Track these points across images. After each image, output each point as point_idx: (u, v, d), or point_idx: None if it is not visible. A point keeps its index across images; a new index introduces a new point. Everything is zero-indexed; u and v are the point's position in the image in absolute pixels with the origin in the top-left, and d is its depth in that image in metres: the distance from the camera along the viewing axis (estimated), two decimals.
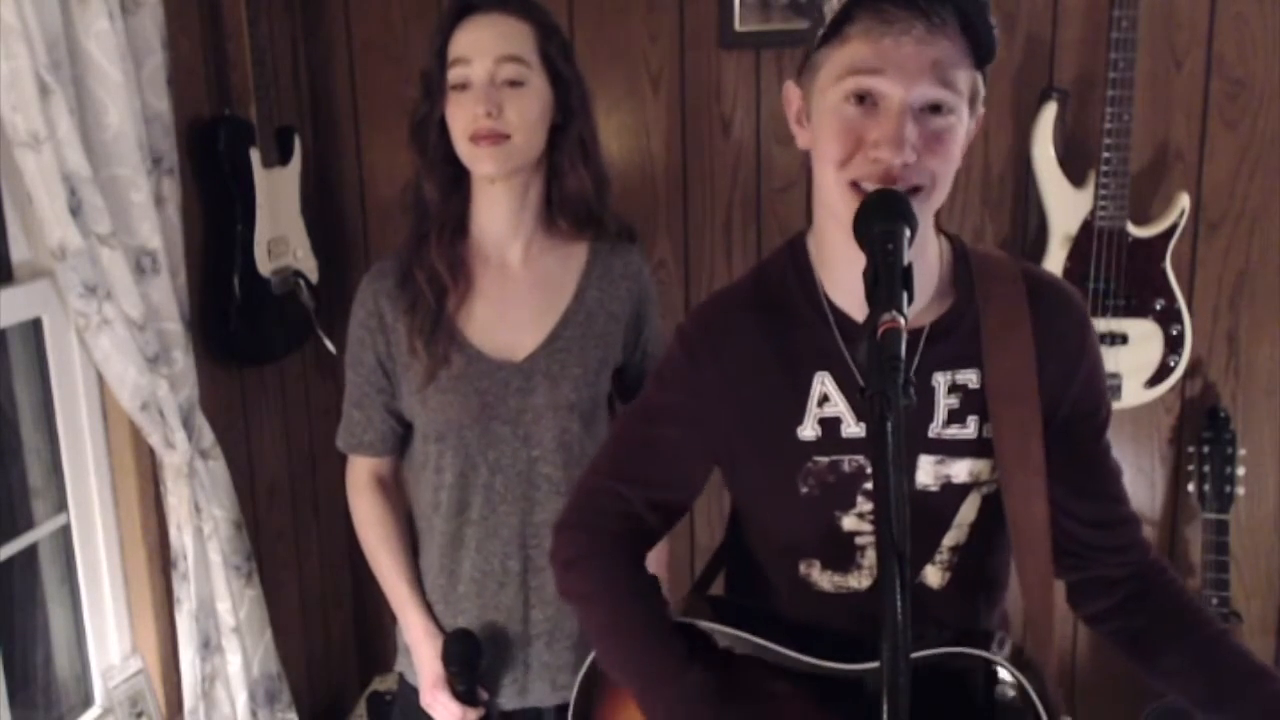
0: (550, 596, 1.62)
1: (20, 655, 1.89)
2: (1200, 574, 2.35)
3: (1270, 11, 2.28)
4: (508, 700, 1.68)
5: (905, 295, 0.93)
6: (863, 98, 1.06)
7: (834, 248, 1.17)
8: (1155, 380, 2.34)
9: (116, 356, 1.78)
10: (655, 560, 1.37)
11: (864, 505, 1.21)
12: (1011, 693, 1.13)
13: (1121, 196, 2.22)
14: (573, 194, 1.60)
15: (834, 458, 1.21)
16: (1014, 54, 2.36)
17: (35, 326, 1.83)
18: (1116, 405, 2.30)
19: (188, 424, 1.92)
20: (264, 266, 2.22)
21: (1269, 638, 2.53)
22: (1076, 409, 1.22)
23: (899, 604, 0.82)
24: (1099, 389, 1.24)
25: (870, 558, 1.23)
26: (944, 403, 1.19)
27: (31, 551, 1.90)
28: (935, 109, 1.06)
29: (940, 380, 1.19)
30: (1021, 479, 1.18)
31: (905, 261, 0.96)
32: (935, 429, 1.20)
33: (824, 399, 1.20)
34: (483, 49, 1.50)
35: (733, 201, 2.52)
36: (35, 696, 1.92)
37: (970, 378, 1.19)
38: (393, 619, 1.73)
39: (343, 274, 2.60)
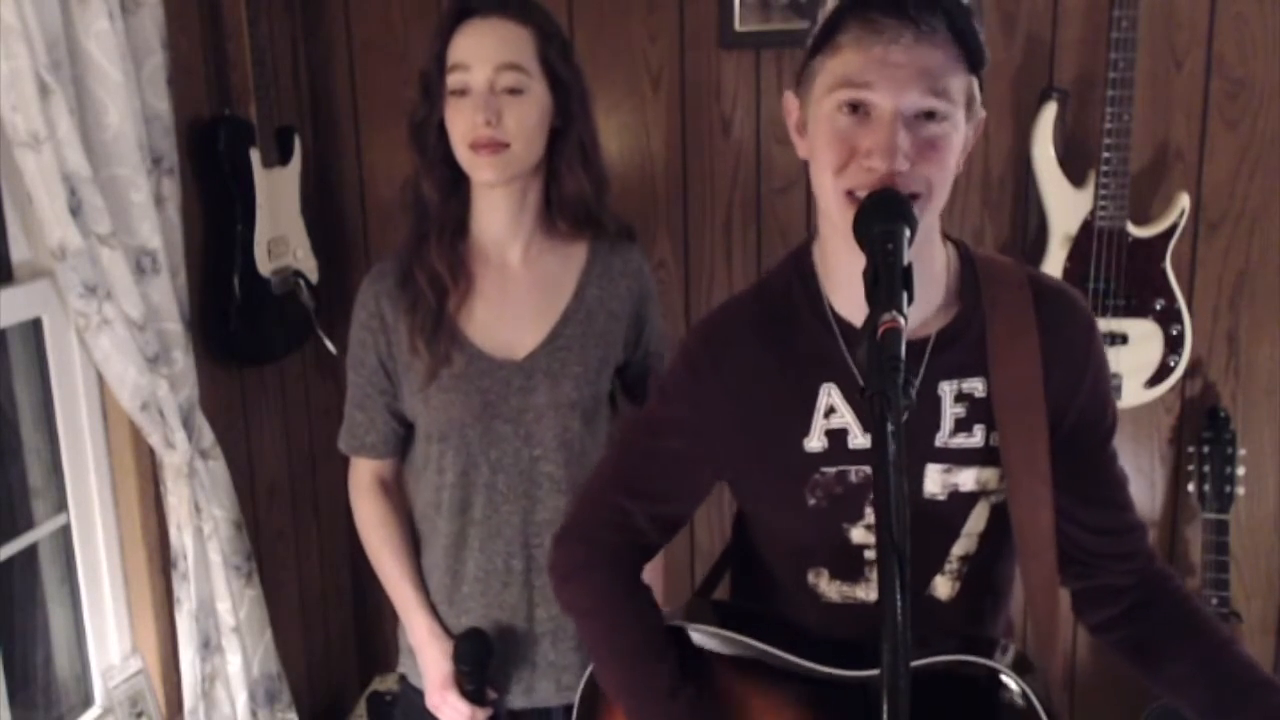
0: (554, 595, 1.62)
1: (20, 655, 1.89)
2: (1200, 574, 2.35)
3: (1270, 11, 2.28)
4: (514, 700, 1.68)
5: (905, 295, 0.93)
6: (855, 107, 1.06)
7: (836, 257, 1.17)
8: (1155, 380, 2.33)
9: (116, 356, 1.78)
10: (651, 566, 1.37)
11: (872, 517, 1.21)
12: (1016, 701, 1.12)
13: (1121, 196, 2.22)
14: (572, 196, 1.60)
15: (841, 469, 1.20)
16: (1014, 54, 2.36)
17: (35, 326, 1.83)
18: (1116, 405, 2.29)
19: (188, 424, 1.92)
20: (264, 266, 2.22)
21: (1269, 638, 2.53)
22: (1083, 416, 1.21)
23: (899, 605, 0.82)
24: (1105, 396, 1.24)
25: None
26: (950, 412, 1.19)
27: (31, 551, 1.90)
28: (929, 116, 1.06)
29: (947, 389, 1.19)
30: (1028, 487, 1.17)
31: (905, 261, 0.96)
32: (942, 438, 1.19)
33: (830, 410, 1.20)
34: (482, 55, 1.50)
35: (733, 201, 2.52)
36: (35, 696, 1.92)
37: (977, 386, 1.19)
38: (394, 619, 1.73)
39: (343, 274, 2.60)
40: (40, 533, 1.88)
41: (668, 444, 1.28)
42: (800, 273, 1.23)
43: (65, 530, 1.91)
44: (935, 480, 1.20)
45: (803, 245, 1.25)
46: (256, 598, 2.12)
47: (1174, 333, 2.30)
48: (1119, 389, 2.32)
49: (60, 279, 1.71)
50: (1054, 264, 2.28)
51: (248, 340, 2.24)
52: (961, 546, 1.24)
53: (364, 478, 1.70)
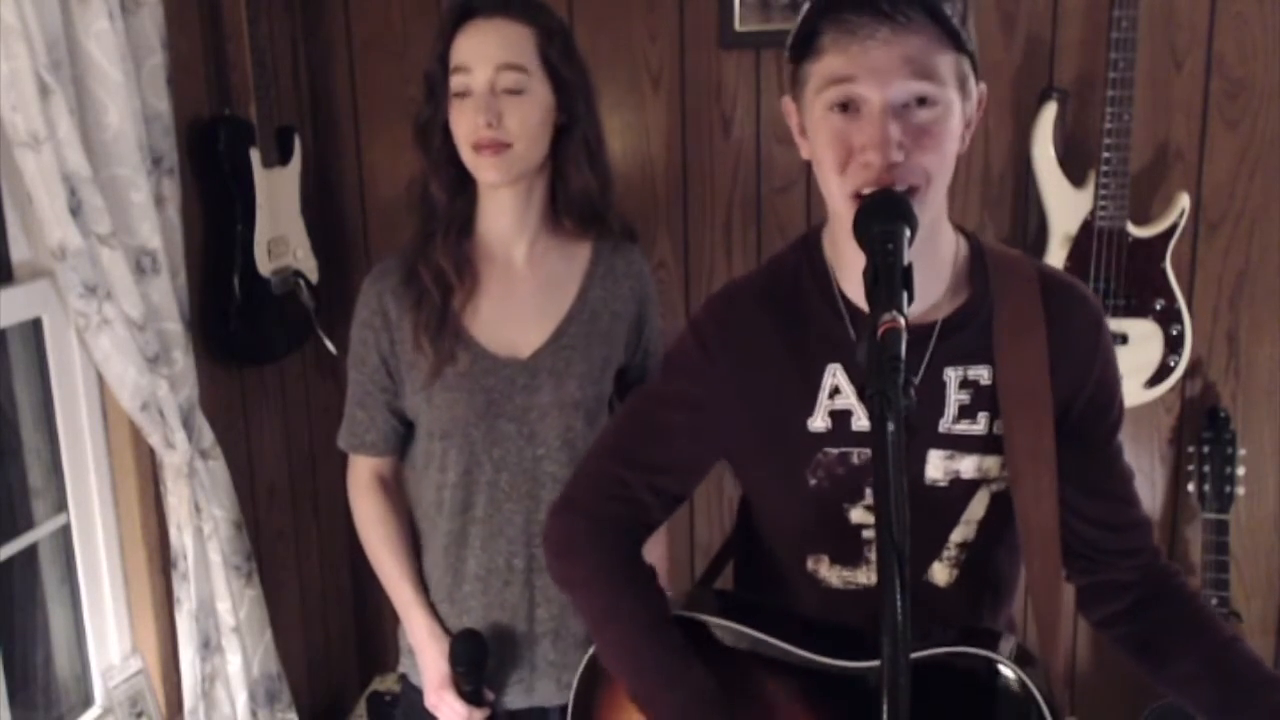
0: (555, 595, 1.61)
1: (20, 655, 1.89)
2: (1200, 574, 2.35)
3: (1270, 11, 2.28)
4: (514, 700, 1.68)
5: (905, 295, 0.93)
6: (845, 105, 1.07)
7: (845, 249, 1.17)
8: (1155, 380, 2.34)
9: (116, 356, 1.78)
10: (655, 555, 1.37)
11: (872, 497, 1.21)
12: (1016, 692, 1.13)
13: (1121, 196, 2.22)
14: (578, 194, 1.60)
15: (844, 450, 1.21)
16: (1014, 54, 2.36)
17: (35, 326, 1.83)
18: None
19: (188, 424, 1.92)
20: (264, 266, 2.22)
21: (1269, 638, 2.53)
22: (1089, 410, 1.22)
23: (899, 602, 0.83)
24: (1112, 390, 1.24)
25: None
26: (955, 398, 1.19)
27: (31, 551, 1.90)
28: (920, 102, 1.06)
29: (951, 375, 1.19)
30: (1031, 477, 1.18)
31: (905, 261, 0.97)
32: (945, 424, 1.20)
33: (835, 391, 1.20)
34: (483, 56, 1.50)
35: (733, 201, 2.52)
36: (35, 696, 1.92)
37: (982, 374, 1.19)
38: (394, 619, 1.73)
39: (343, 274, 2.60)
40: (40, 533, 1.88)
41: (671, 417, 1.28)
42: (810, 256, 1.24)
43: (65, 530, 1.91)
44: (937, 466, 1.21)
45: (813, 229, 1.26)
46: (256, 598, 2.12)
47: (1174, 333, 2.30)
48: None
49: (60, 279, 1.71)
50: (1054, 264, 2.28)
51: (248, 340, 2.24)
52: (960, 533, 1.24)
53: (363, 476, 1.69)
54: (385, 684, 2.68)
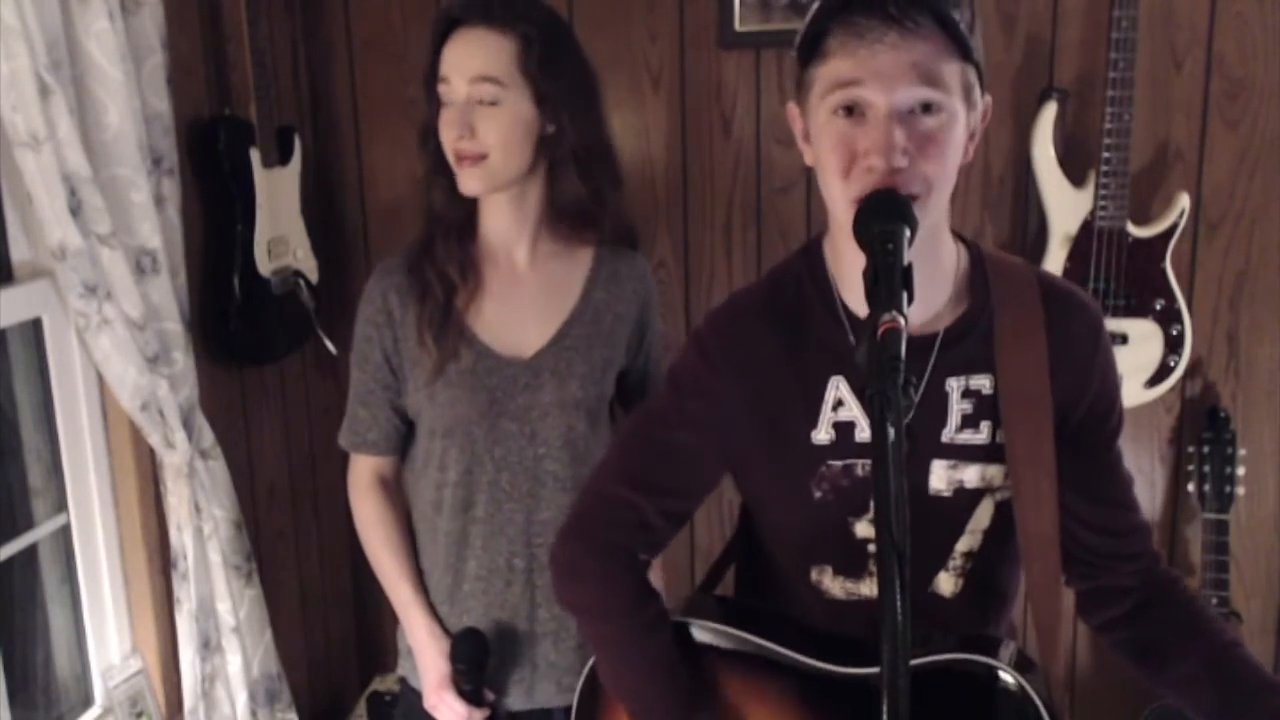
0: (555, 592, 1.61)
1: (20, 655, 1.89)
2: (1200, 574, 2.35)
3: (1270, 11, 2.28)
4: (514, 701, 1.68)
5: (905, 295, 0.93)
6: (850, 109, 1.07)
7: (846, 256, 1.17)
8: (1155, 380, 2.33)
9: (116, 356, 1.78)
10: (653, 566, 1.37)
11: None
12: (1017, 699, 1.12)
13: (1121, 196, 2.22)
14: (568, 202, 1.60)
15: (848, 462, 1.21)
16: (1014, 54, 2.36)
17: (35, 326, 1.83)
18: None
19: (188, 424, 1.92)
20: (264, 266, 2.22)
21: (1269, 637, 2.53)
22: (1089, 416, 1.22)
23: (898, 605, 0.82)
24: (1112, 396, 1.24)
25: None
26: (957, 408, 1.19)
27: (31, 551, 1.90)
28: (925, 109, 1.06)
29: (954, 385, 1.19)
30: (1033, 484, 1.18)
31: (905, 261, 0.96)
32: (948, 434, 1.20)
33: (838, 403, 1.20)
34: (459, 69, 1.51)
35: (733, 202, 2.52)
36: (35, 696, 1.92)
37: (984, 383, 1.19)
38: (394, 620, 1.73)
39: (343, 274, 2.60)
40: (40, 533, 1.88)
41: (677, 437, 1.27)
42: (811, 266, 1.23)
43: (65, 530, 1.91)
44: (941, 476, 1.21)
45: (815, 239, 1.26)
46: (256, 598, 2.12)
47: (1174, 333, 2.30)
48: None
49: (60, 279, 1.71)
50: (1054, 264, 2.28)
51: (248, 340, 2.24)
52: (965, 543, 1.24)
53: (364, 475, 1.70)
54: (385, 684, 2.68)
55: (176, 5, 1.96)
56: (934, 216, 1.11)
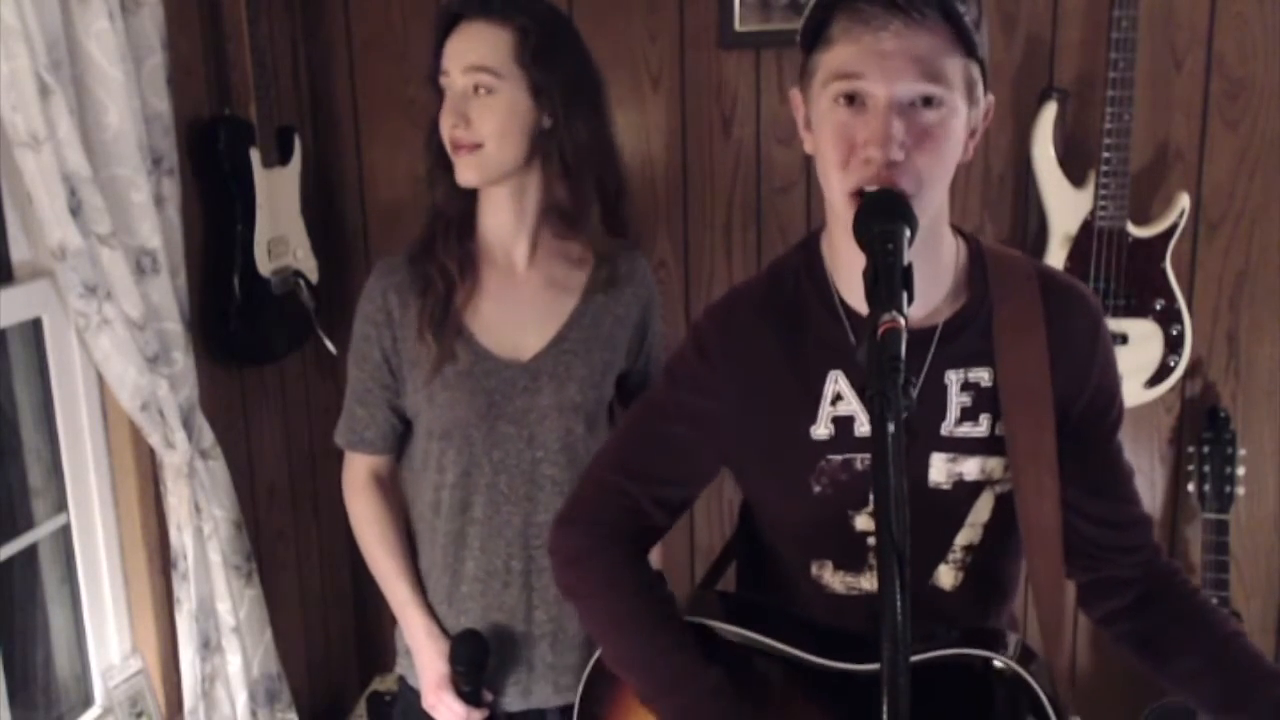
0: (554, 597, 1.61)
1: (20, 655, 1.89)
2: (1200, 574, 2.35)
3: (1270, 11, 2.28)
4: (511, 702, 1.68)
5: (905, 295, 0.93)
6: (851, 98, 1.06)
7: (843, 250, 1.17)
8: (1155, 380, 2.34)
9: (116, 356, 1.78)
10: (652, 558, 1.37)
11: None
12: (1020, 693, 1.12)
13: (1121, 196, 2.22)
14: (566, 198, 1.60)
15: (847, 456, 1.21)
16: (1014, 54, 2.36)
17: (35, 326, 1.83)
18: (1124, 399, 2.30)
19: (188, 424, 1.92)
20: (264, 266, 2.22)
21: (1269, 637, 2.53)
22: (1089, 409, 1.22)
23: (898, 602, 0.83)
24: (1112, 390, 1.24)
25: None
26: (956, 400, 1.19)
27: (31, 551, 1.90)
28: (926, 103, 1.06)
29: (953, 378, 1.19)
30: (1033, 477, 1.18)
31: (905, 261, 0.96)
32: (948, 427, 1.20)
33: (837, 398, 1.20)
34: (456, 60, 1.53)
35: (733, 202, 2.52)
36: (35, 696, 1.92)
37: (983, 376, 1.19)
38: (394, 620, 1.73)
39: (343, 274, 2.60)
40: (40, 533, 1.88)
41: (673, 428, 1.27)
42: (809, 261, 1.23)
43: (65, 530, 1.91)
44: (940, 469, 1.21)
45: (813, 234, 1.26)
46: (256, 598, 2.12)
47: (1174, 333, 2.30)
48: None
49: (60, 279, 1.71)
50: (1054, 264, 2.28)
51: (248, 340, 2.23)
52: (965, 536, 1.24)
53: (360, 474, 1.69)
54: (385, 684, 2.68)
55: (176, 5, 1.96)
56: (930, 213, 1.11)
